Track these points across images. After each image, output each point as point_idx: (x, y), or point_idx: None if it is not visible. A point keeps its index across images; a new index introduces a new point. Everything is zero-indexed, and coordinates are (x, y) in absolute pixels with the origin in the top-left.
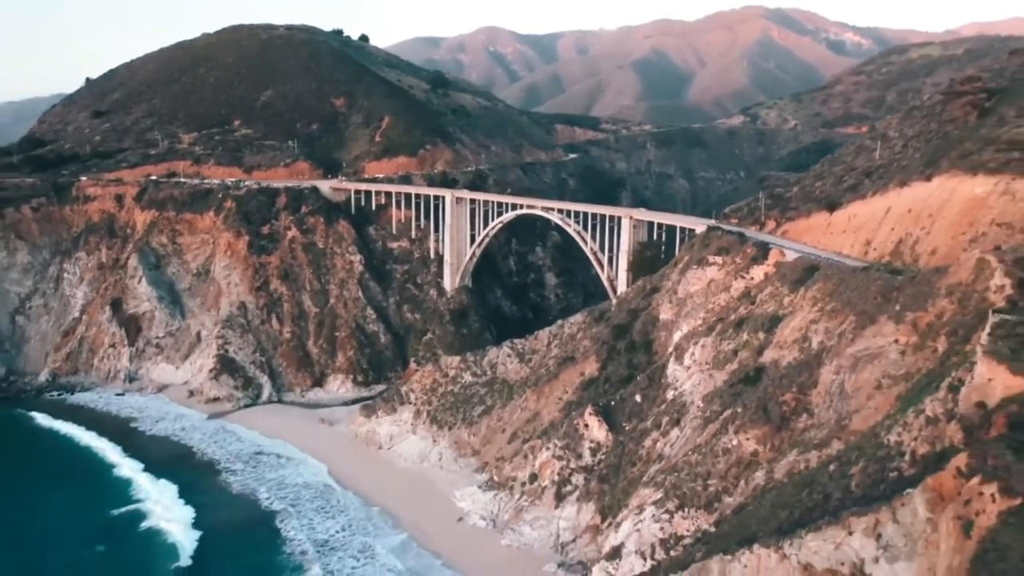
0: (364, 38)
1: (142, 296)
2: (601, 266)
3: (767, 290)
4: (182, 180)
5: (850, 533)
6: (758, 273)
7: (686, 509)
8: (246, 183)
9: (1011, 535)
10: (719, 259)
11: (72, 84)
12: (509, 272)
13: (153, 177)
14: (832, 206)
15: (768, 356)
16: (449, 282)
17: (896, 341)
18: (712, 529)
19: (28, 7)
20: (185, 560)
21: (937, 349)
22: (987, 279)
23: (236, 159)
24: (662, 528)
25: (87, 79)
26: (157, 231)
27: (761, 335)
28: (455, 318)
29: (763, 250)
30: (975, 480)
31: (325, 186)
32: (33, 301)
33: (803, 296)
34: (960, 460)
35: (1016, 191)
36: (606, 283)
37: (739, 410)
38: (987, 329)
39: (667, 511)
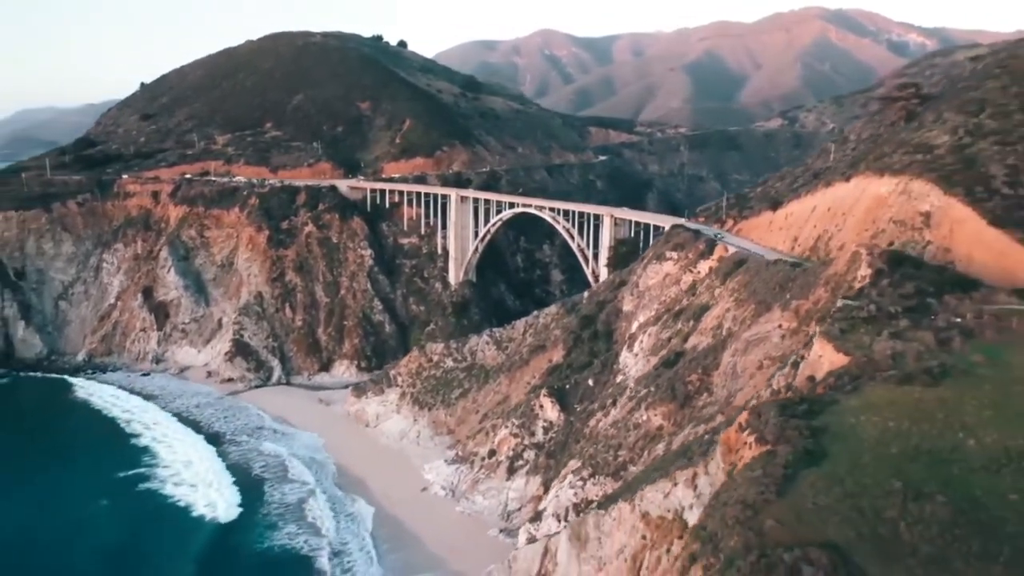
0: (402, 44)
1: (171, 285)
2: (586, 261)
3: (705, 283)
4: (213, 178)
5: (675, 484)
6: (704, 267)
7: (597, 477)
8: (270, 182)
9: (742, 474)
10: (674, 255)
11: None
12: (516, 268)
13: (187, 175)
14: (775, 205)
15: (691, 342)
16: (453, 276)
17: (780, 326)
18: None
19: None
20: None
21: (808, 333)
22: (856, 270)
23: (264, 159)
24: (575, 494)
25: (141, 84)
26: (187, 225)
27: (691, 323)
28: (457, 310)
29: (710, 246)
30: (744, 433)
31: (343, 185)
32: (75, 288)
33: (726, 287)
34: (743, 418)
35: (912, 191)
36: (590, 277)
37: (652, 389)
38: (832, 313)
39: (581, 479)
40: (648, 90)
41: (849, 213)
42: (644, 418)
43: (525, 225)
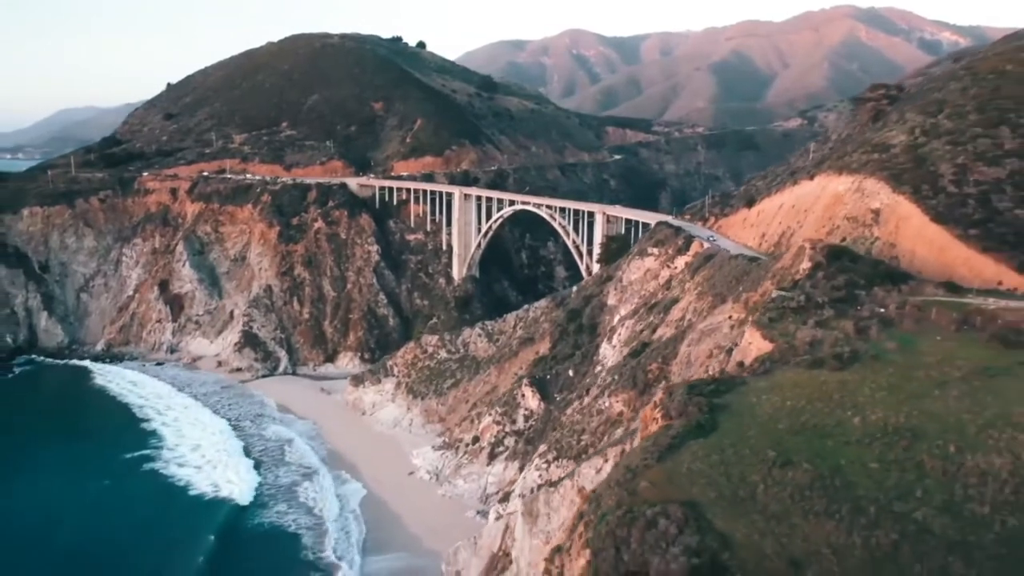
0: (421, 44)
1: (186, 278)
2: (580, 256)
3: (679, 277)
4: (229, 176)
5: (606, 460)
6: (680, 263)
7: (560, 460)
8: (283, 179)
9: (640, 444)
10: (656, 251)
11: None
12: (521, 265)
13: (205, 173)
14: (750, 203)
15: (658, 333)
16: (457, 272)
17: (730, 317)
18: None
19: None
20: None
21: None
22: (799, 263)
23: (278, 157)
24: (540, 475)
25: (168, 84)
26: (203, 221)
27: (660, 316)
28: (459, 304)
29: (688, 242)
30: (656, 410)
31: (353, 183)
32: (95, 280)
33: (693, 282)
34: (658, 397)
35: (865, 188)
36: (584, 272)
37: (616, 378)
38: (766, 304)
39: (547, 461)
40: (673, 90)
41: (810, 210)
42: (607, 404)
43: (530, 223)
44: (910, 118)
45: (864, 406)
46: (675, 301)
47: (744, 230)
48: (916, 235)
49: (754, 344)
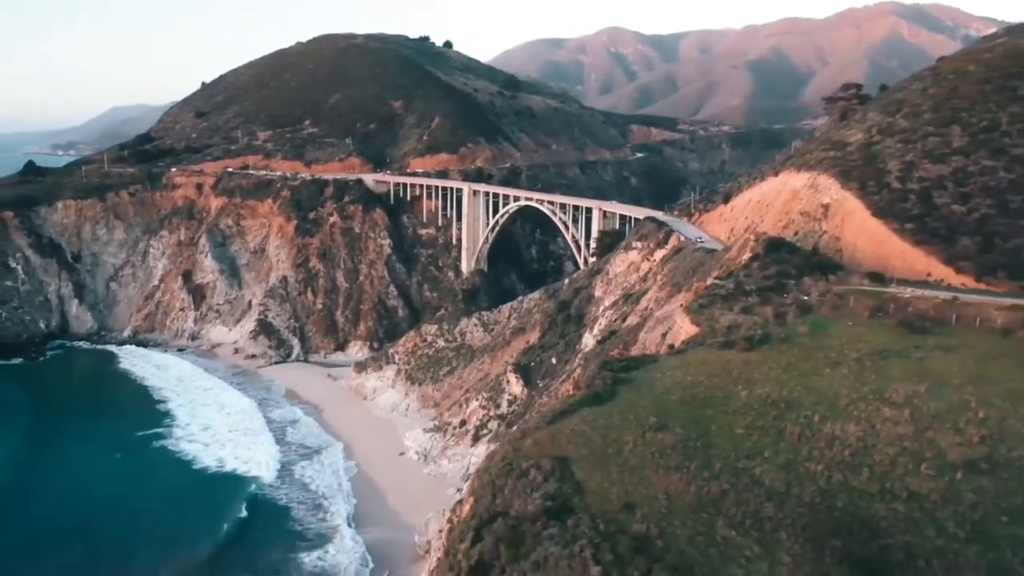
0: (448, 44)
1: (208, 269)
2: (579, 250)
3: (654, 270)
4: (251, 172)
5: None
6: (659, 255)
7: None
8: (302, 175)
9: (543, 411)
10: (639, 244)
11: None
12: (531, 259)
13: (229, 169)
14: (727, 199)
15: (628, 322)
16: (465, 265)
17: (681, 305)
18: None
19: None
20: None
21: None
22: (743, 255)
23: (299, 154)
24: None
25: (202, 83)
26: (225, 215)
27: (632, 306)
28: (467, 297)
29: (667, 236)
30: (571, 385)
31: (369, 179)
32: (124, 271)
33: (662, 273)
34: (577, 374)
35: (819, 185)
36: (582, 265)
37: (582, 363)
38: (700, 291)
39: None
40: (709, 88)
41: (771, 205)
42: (566, 389)
43: (541, 219)
44: (870, 117)
45: (756, 382)
46: (645, 292)
47: (720, 224)
48: (859, 229)
49: (683, 328)
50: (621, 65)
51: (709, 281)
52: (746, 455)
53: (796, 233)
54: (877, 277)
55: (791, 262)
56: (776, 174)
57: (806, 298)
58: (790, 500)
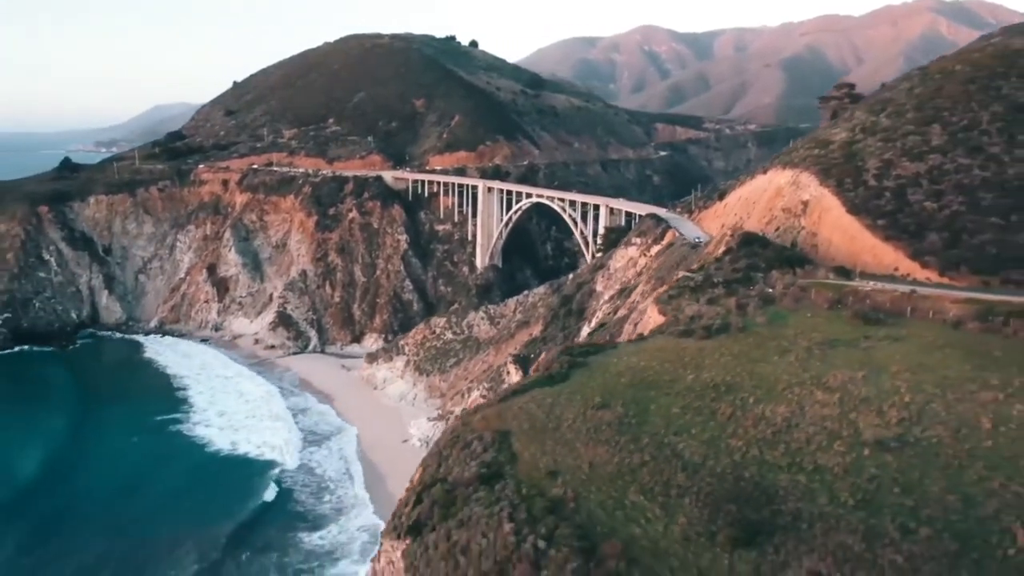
0: (473, 43)
1: (231, 263)
2: (587, 246)
3: (647, 265)
4: (275, 168)
5: None
6: (654, 251)
7: None
8: (324, 172)
9: (500, 391)
10: (639, 240)
11: None
12: (545, 256)
13: (254, 166)
14: (722, 196)
15: (618, 314)
16: (479, 261)
17: (653, 297)
18: None
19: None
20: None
21: None
22: (719, 249)
23: (322, 151)
24: None
25: (233, 82)
26: (249, 210)
27: (624, 299)
28: (480, 292)
29: (663, 232)
30: (534, 368)
31: (388, 176)
32: (152, 263)
33: (652, 268)
34: (541, 358)
35: (801, 182)
36: (590, 260)
37: None
38: (671, 283)
39: None
40: (742, 86)
41: (758, 202)
42: None
43: (557, 216)
44: (857, 116)
45: (705, 367)
46: (636, 286)
47: (714, 220)
48: (834, 225)
49: (652, 318)
50: (654, 63)
51: (680, 274)
52: (674, 432)
53: (778, 229)
54: (843, 271)
55: (762, 256)
56: (765, 172)
57: (771, 290)
58: (703, 471)
